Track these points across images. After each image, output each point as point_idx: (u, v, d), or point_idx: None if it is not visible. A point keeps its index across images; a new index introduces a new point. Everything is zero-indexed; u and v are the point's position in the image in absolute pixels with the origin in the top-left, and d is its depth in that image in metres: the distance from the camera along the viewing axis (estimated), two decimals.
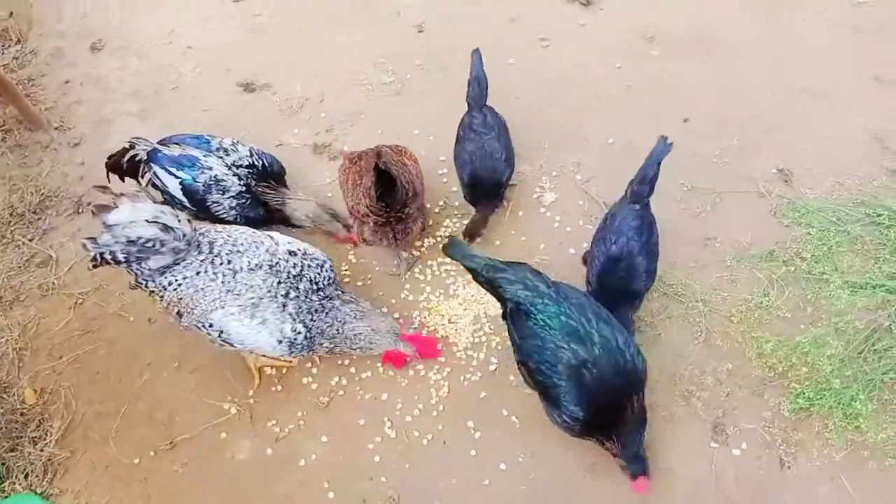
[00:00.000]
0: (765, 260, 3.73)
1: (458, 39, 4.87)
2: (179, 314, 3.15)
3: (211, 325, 3.13)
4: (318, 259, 3.29)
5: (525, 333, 2.98)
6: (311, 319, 3.20)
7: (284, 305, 3.12)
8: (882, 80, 4.38)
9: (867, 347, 3.39)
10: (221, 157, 3.73)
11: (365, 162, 3.54)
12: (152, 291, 3.14)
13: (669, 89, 4.48)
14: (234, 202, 3.72)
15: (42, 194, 4.40)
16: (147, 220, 2.93)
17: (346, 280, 3.94)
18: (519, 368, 3.15)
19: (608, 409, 2.89)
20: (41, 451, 3.53)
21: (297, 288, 3.16)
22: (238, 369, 3.68)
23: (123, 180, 3.88)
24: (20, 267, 4.13)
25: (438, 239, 4.03)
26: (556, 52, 4.74)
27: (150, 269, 3.05)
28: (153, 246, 2.97)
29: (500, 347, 3.65)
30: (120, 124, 4.65)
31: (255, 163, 3.80)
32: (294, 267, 3.18)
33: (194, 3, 5.16)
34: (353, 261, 4.02)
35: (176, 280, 3.07)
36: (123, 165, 3.77)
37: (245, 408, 3.59)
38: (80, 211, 4.33)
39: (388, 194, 3.36)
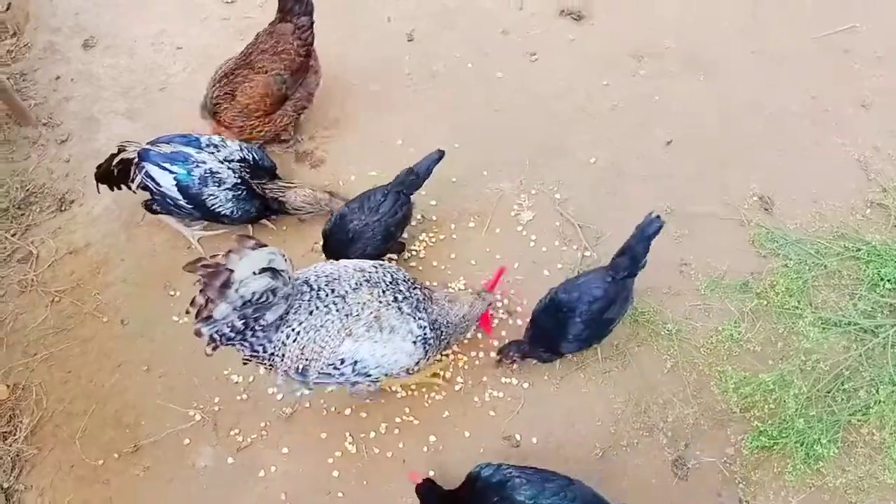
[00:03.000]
0: (738, 290, 3.70)
1: (448, 49, 4.85)
2: (304, 371, 3.02)
3: (343, 362, 3.00)
4: (387, 264, 3.25)
5: None
6: (427, 311, 3.13)
7: (400, 308, 3.04)
8: (870, 106, 4.31)
9: (836, 387, 3.36)
10: (213, 153, 3.75)
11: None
12: (272, 356, 2.96)
13: (656, 109, 4.43)
14: (231, 194, 3.74)
15: (27, 190, 4.42)
16: (255, 273, 2.64)
17: None
18: None
19: None
20: (10, 446, 3.57)
21: (399, 290, 3.10)
22: (205, 375, 3.70)
23: (113, 189, 3.91)
24: (1, 262, 4.16)
25: (412, 252, 4.02)
26: (544, 67, 4.69)
27: (266, 327, 2.85)
28: (267, 299, 2.74)
29: (466, 367, 3.64)
30: (108, 123, 4.65)
31: (247, 157, 3.84)
32: (384, 274, 3.12)
33: (186, 3, 5.15)
34: None
35: (293, 329, 2.92)
36: (114, 171, 3.79)
37: (210, 415, 3.61)
38: (63, 209, 4.35)
39: None
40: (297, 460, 3.46)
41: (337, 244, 3.64)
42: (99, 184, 3.89)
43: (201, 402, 3.65)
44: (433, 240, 4.06)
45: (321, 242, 3.72)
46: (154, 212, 3.94)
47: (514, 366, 3.50)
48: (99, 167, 3.83)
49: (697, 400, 3.43)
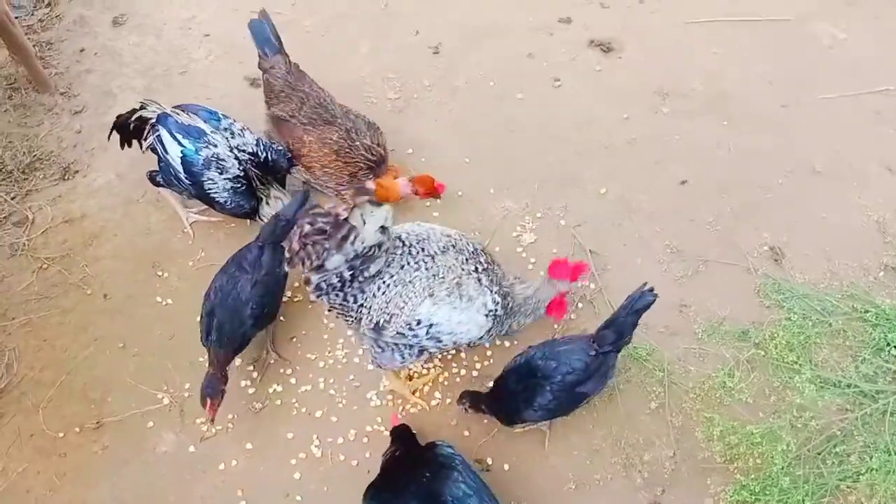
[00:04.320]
0: (737, 338, 3.55)
1: (472, 66, 4.81)
2: (382, 328, 2.98)
3: (419, 323, 2.96)
4: (467, 234, 3.20)
5: None
6: (501, 287, 3.10)
7: (480, 280, 3.02)
8: (895, 170, 4.17)
9: (827, 449, 3.18)
10: (227, 138, 3.70)
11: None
12: (360, 307, 2.93)
13: (674, 148, 4.33)
14: (229, 185, 3.68)
15: (34, 156, 4.42)
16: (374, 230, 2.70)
17: (295, 285, 3.84)
18: None
19: None
20: None
21: (480, 261, 3.07)
22: (179, 360, 3.61)
23: (123, 146, 3.87)
24: None
25: None
26: (567, 94, 4.63)
27: (364, 279, 2.87)
28: (373, 253, 2.79)
29: (445, 383, 3.53)
30: (124, 99, 4.66)
31: (259, 153, 3.78)
32: (468, 243, 3.08)
33: None
34: None
35: (384, 281, 2.91)
36: (130, 125, 3.75)
37: (178, 400, 3.52)
38: (66, 178, 4.33)
39: None
40: (259, 457, 3.35)
41: (226, 318, 3.30)
42: (113, 132, 3.83)
43: (172, 386, 3.56)
44: None
45: (201, 320, 3.36)
46: (157, 184, 3.89)
47: (467, 413, 3.31)
48: (119, 116, 3.79)
49: (680, 444, 3.27)
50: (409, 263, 2.94)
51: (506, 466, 3.29)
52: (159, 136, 3.65)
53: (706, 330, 3.59)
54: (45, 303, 3.85)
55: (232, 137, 3.73)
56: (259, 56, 4.05)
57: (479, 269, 3.04)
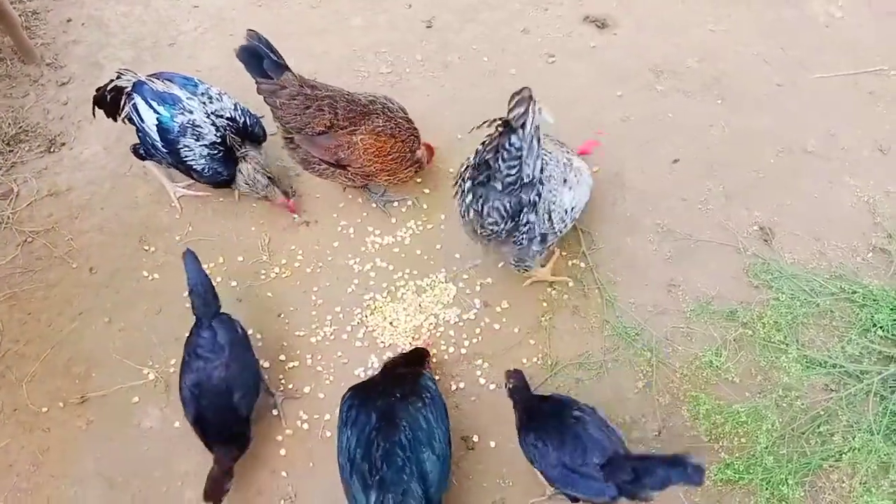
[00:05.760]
0: (725, 318, 3.54)
1: (465, 41, 4.74)
2: (544, 237, 3.16)
3: (566, 212, 3.23)
4: None
5: None
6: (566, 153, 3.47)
7: (568, 151, 3.44)
8: (888, 151, 4.14)
9: (811, 428, 3.19)
10: (204, 104, 3.65)
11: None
12: (535, 205, 2.97)
13: (667, 127, 4.29)
14: (206, 151, 3.63)
15: (20, 127, 4.36)
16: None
17: (297, 265, 3.82)
18: None
19: None
20: None
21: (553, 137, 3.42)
22: (165, 335, 3.59)
23: (111, 118, 3.78)
24: None
25: (397, 238, 3.90)
26: (560, 71, 4.57)
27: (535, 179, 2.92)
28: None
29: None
30: (111, 70, 4.53)
31: (237, 118, 3.73)
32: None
33: None
34: (302, 250, 3.90)
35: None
36: (107, 96, 3.69)
37: (164, 376, 3.50)
38: (52, 150, 4.28)
39: None
40: None
41: (219, 416, 3.06)
42: (95, 107, 3.78)
43: (157, 361, 3.55)
44: (420, 228, 3.95)
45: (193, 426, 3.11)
46: (141, 157, 3.83)
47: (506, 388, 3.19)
48: (98, 89, 3.74)
49: (666, 423, 3.27)
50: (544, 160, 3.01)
51: (492, 444, 3.29)
52: (135, 104, 3.59)
53: (695, 309, 3.58)
54: (30, 276, 3.82)
55: (210, 102, 3.67)
56: (259, 82, 3.54)
57: (559, 142, 3.38)
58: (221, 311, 3.24)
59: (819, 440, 3.16)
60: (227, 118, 3.68)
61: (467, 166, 3.03)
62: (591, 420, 2.81)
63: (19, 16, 4.71)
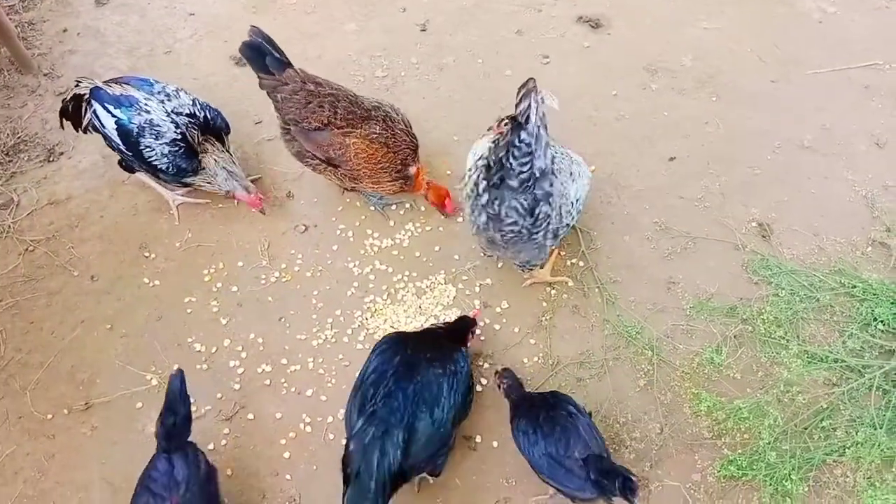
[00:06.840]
0: (725, 314, 3.55)
1: (460, 43, 4.77)
2: (556, 232, 3.20)
3: (573, 204, 3.24)
4: None
5: None
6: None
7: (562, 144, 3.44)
8: (884, 145, 4.16)
9: (813, 423, 3.20)
10: (162, 102, 3.66)
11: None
12: (549, 197, 3.01)
13: (663, 125, 4.31)
14: (168, 149, 3.64)
15: (18, 137, 4.37)
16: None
17: (297, 269, 3.84)
18: None
19: None
20: None
21: None
22: (167, 340, 3.60)
23: (77, 129, 3.80)
24: None
25: (395, 240, 3.92)
26: (555, 71, 4.60)
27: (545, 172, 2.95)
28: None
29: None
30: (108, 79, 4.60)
31: (197, 113, 3.74)
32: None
33: None
34: (302, 255, 3.92)
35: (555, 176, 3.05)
36: (68, 107, 3.72)
37: (166, 381, 3.47)
38: (51, 159, 4.29)
39: None
40: (249, 437, 3.36)
41: None
42: (62, 119, 3.80)
43: (160, 367, 3.55)
44: (419, 230, 3.96)
45: None
46: (127, 170, 3.86)
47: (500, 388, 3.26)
48: (63, 101, 3.76)
49: (669, 421, 3.28)
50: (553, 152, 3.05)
51: (494, 444, 3.29)
52: (95, 111, 3.62)
53: (694, 306, 3.60)
54: (32, 285, 3.82)
55: (168, 100, 3.69)
56: (262, 77, 3.62)
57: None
58: (189, 439, 2.90)
59: (822, 435, 3.17)
60: (187, 114, 3.69)
61: (478, 170, 3.06)
62: (583, 419, 2.89)
63: (16, 26, 4.74)
